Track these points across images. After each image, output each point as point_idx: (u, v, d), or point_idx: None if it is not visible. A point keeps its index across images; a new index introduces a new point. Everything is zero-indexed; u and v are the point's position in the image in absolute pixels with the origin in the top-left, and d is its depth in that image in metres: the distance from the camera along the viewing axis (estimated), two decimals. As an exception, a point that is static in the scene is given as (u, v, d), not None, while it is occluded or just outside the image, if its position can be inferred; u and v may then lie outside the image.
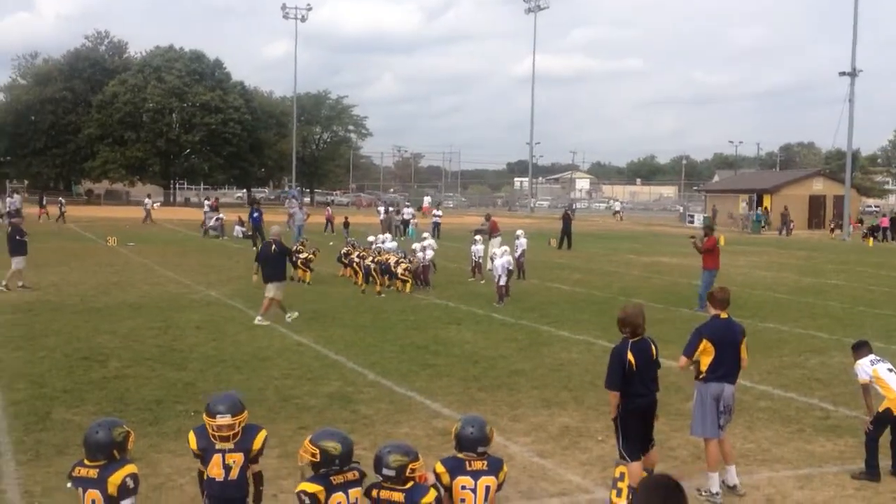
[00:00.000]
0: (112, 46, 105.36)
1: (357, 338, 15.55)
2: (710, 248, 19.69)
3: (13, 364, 12.75)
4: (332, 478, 5.34)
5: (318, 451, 5.33)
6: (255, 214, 36.95)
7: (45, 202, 57.52)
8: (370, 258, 22.84)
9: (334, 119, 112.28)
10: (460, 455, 5.91)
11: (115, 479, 5.23)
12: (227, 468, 5.78)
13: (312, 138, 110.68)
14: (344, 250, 25.35)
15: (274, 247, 17.54)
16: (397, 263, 22.03)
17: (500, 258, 20.51)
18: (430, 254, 23.45)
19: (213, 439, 5.76)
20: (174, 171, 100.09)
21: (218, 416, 5.73)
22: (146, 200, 58.40)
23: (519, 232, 25.60)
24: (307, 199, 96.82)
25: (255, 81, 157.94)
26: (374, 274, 21.97)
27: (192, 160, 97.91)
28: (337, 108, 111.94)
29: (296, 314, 17.32)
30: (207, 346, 14.44)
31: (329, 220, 48.32)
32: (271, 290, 17.10)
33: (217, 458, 5.76)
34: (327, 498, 5.29)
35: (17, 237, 21.02)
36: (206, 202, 60.16)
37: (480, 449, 5.90)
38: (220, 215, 44.78)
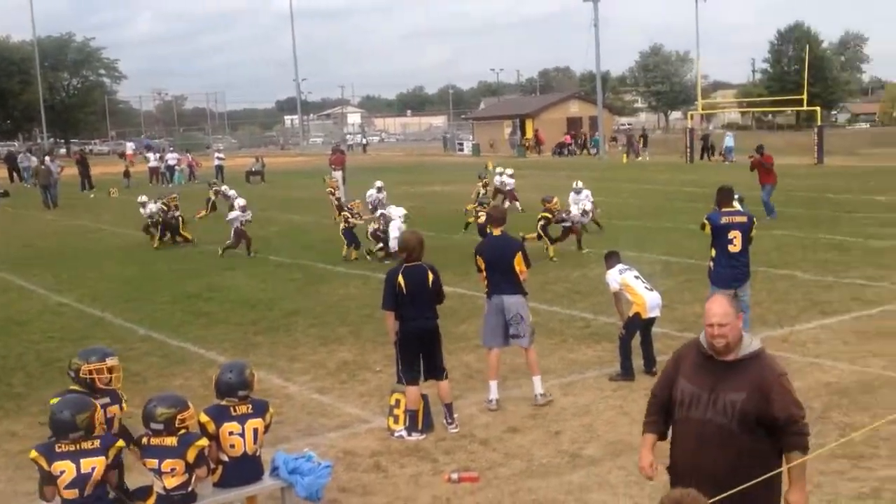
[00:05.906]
0: None
1: (124, 292, 14.89)
2: (767, 164, 21.97)
3: None
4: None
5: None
6: None
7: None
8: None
9: (82, 63, 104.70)
10: (223, 402, 5.86)
11: None
12: None
13: (61, 85, 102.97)
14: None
15: None
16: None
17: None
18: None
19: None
20: None
21: (108, 358, 5.76)
22: None
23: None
24: (63, 151, 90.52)
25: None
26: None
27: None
28: (84, 51, 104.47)
29: None
30: (-45, 316, 13.33)
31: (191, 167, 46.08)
32: None
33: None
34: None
35: None
36: None
37: (242, 393, 5.86)
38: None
